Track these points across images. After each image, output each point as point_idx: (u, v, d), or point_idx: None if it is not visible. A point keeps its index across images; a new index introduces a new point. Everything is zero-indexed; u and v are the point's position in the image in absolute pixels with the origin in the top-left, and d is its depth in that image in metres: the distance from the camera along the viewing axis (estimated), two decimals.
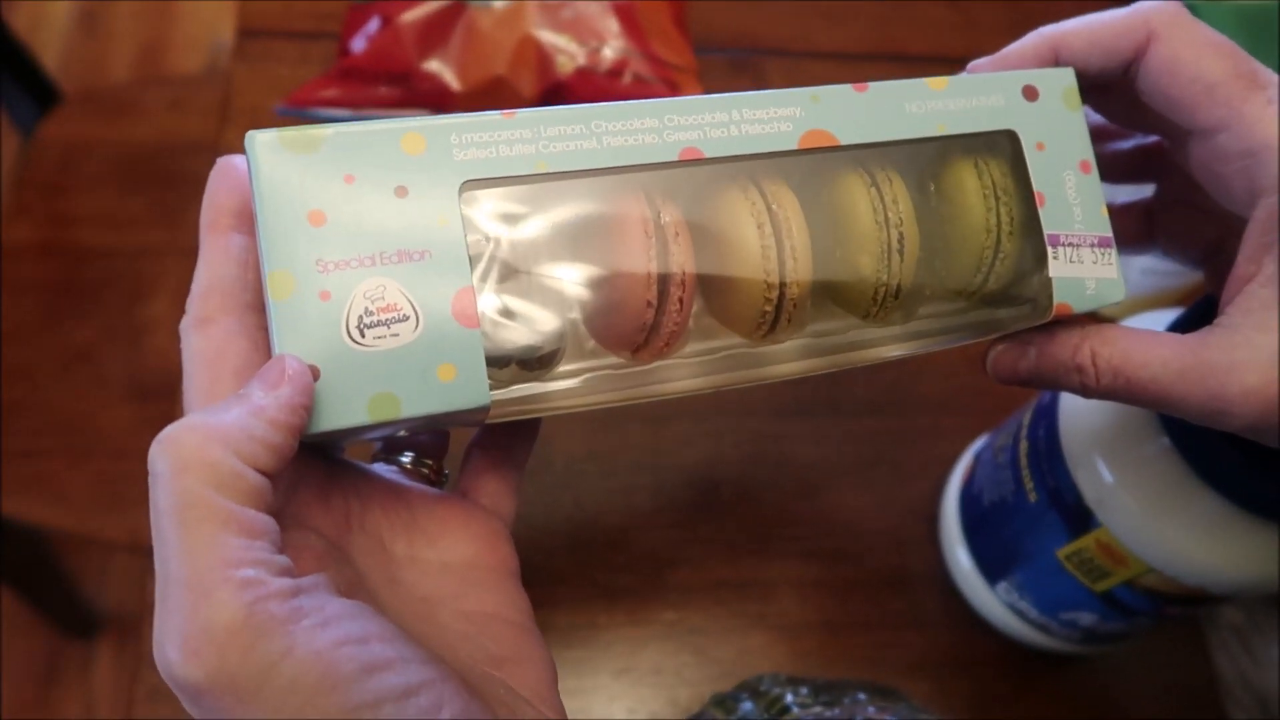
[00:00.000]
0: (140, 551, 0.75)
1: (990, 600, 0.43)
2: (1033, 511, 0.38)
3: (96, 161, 0.87)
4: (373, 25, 0.49)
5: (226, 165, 0.24)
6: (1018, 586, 0.41)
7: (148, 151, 0.88)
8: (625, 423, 0.48)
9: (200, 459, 0.20)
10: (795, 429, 0.49)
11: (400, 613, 0.25)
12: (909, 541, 0.47)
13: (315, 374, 0.23)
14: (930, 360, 0.51)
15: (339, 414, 0.23)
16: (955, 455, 0.48)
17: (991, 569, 0.42)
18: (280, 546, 0.21)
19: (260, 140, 0.23)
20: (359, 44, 0.49)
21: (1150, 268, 0.48)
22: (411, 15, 0.48)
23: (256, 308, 0.24)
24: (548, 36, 0.49)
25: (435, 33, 0.48)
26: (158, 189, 0.86)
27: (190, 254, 0.24)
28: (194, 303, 0.24)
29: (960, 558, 0.44)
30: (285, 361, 0.22)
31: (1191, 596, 0.35)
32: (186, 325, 0.23)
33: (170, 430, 0.20)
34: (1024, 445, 0.38)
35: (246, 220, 0.24)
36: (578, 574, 0.45)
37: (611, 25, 0.50)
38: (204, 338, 0.23)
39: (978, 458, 0.44)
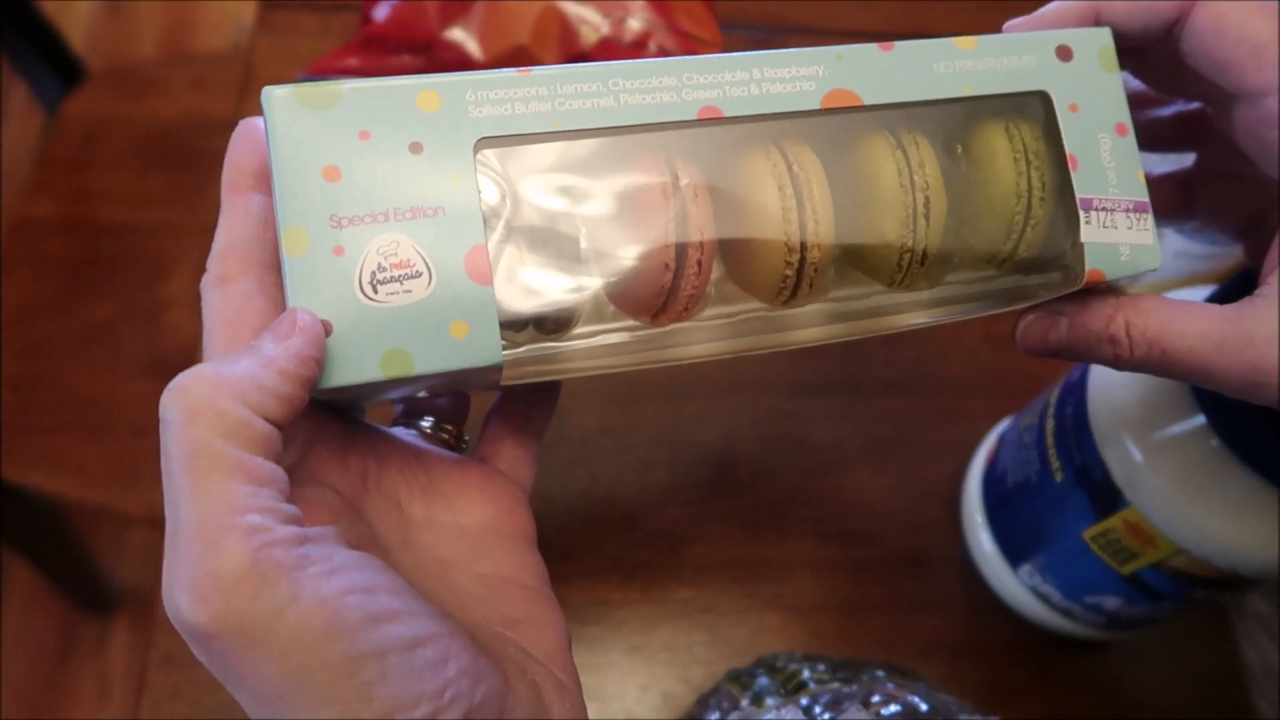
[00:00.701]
0: (158, 527, 0.75)
1: (1012, 584, 0.42)
2: (1058, 491, 0.37)
3: (119, 139, 0.87)
4: None
5: (249, 126, 0.24)
6: (1041, 569, 0.40)
7: (169, 129, 0.88)
8: (642, 398, 0.47)
9: (210, 407, 0.20)
10: (814, 407, 0.48)
11: (414, 573, 0.24)
12: (928, 523, 0.46)
13: (328, 329, 0.22)
14: (953, 341, 0.50)
15: (352, 369, 0.23)
16: (977, 438, 0.47)
17: (1014, 552, 0.41)
18: (288, 495, 0.21)
19: (276, 96, 0.23)
20: (381, 13, 0.49)
21: (1183, 250, 0.47)
22: None
23: (275, 267, 0.24)
24: (571, 7, 0.48)
25: (458, 1, 0.47)
26: (178, 167, 0.86)
27: (210, 232, 0.24)
28: (214, 262, 0.24)
29: (982, 540, 0.43)
30: (297, 314, 0.22)
31: (1221, 579, 0.34)
32: (206, 283, 0.24)
33: (181, 379, 0.20)
34: (1051, 423, 0.38)
35: (267, 181, 0.24)
36: (591, 549, 0.44)
37: None
38: (223, 296, 0.23)
39: (1002, 438, 0.43)
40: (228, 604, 0.19)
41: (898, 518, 0.46)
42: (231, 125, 0.25)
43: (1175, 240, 0.47)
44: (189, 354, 0.74)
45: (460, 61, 0.48)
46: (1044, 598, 0.41)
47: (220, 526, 0.19)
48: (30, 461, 0.75)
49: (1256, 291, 0.26)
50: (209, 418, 0.20)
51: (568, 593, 0.43)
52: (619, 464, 0.46)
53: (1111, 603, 0.39)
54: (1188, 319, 0.26)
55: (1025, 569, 0.41)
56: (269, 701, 0.19)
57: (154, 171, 0.86)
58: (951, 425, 0.48)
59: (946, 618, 0.44)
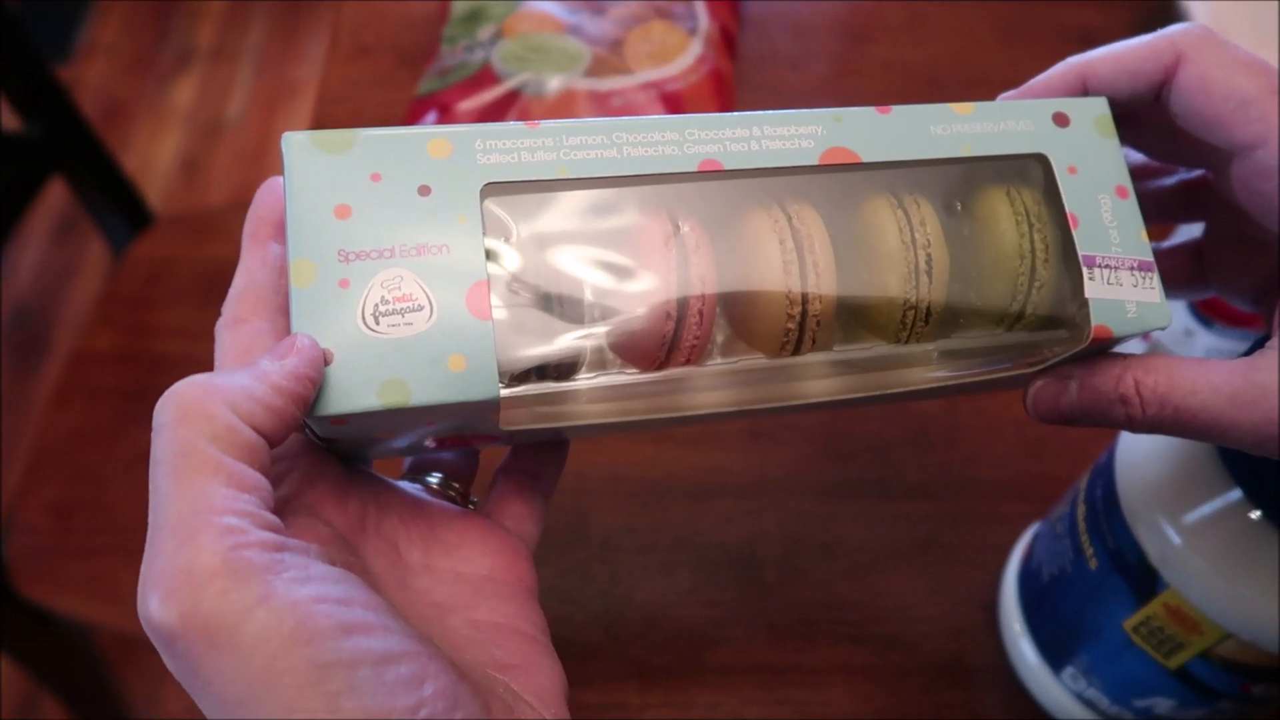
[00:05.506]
0: None
1: (1057, 691, 0.40)
2: (1094, 579, 0.35)
3: (179, 277, 0.91)
4: (431, 117, 0.52)
5: (272, 183, 0.26)
6: (1085, 671, 0.38)
7: (228, 268, 0.92)
8: (665, 499, 0.46)
9: (198, 411, 0.20)
10: (842, 510, 0.47)
11: (406, 614, 0.24)
12: (966, 629, 0.44)
13: (329, 358, 0.23)
14: (985, 445, 0.49)
15: (351, 398, 0.23)
16: (1013, 542, 0.45)
17: (1055, 652, 0.39)
18: (271, 505, 0.20)
19: (295, 140, 0.25)
20: None
21: (1214, 348, 0.46)
22: (468, 105, 0.51)
23: (287, 311, 0.24)
24: None
25: (490, 120, 0.50)
26: None
27: None
28: (229, 305, 0.25)
29: (1023, 648, 0.41)
30: (297, 338, 0.22)
31: (1276, 668, 0.32)
32: (220, 326, 0.24)
33: (176, 385, 0.21)
34: (1082, 508, 0.36)
35: (285, 232, 0.25)
36: (611, 652, 0.43)
37: (658, 113, 0.51)
38: (235, 336, 0.24)
39: (1036, 536, 0.42)
40: (195, 602, 0.18)
41: (935, 623, 0.44)
42: None
43: (1206, 339, 0.46)
44: None
45: None
46: (1091, 704, 0.38)
47: (196, 524, 0.19)
48: (66, 585, 0.75)
49: (1267, 344, 0.26)
50: (196, 420, 0.20)
51: (586, 696, 0.42)
52: (641, 565, 0.45)
53: (1164, 705, 0.36)
54: (1198, 374, 0.26)
55: (1068, 672, 0.39)
56: (232, 707, 0.19)
57: (211, 308, 0.89)
58: (988, 529, 0.46)
59: None
